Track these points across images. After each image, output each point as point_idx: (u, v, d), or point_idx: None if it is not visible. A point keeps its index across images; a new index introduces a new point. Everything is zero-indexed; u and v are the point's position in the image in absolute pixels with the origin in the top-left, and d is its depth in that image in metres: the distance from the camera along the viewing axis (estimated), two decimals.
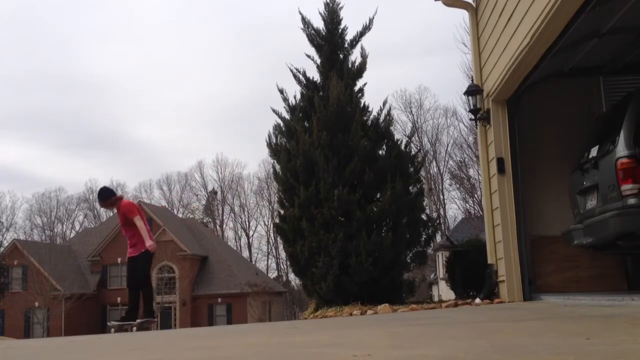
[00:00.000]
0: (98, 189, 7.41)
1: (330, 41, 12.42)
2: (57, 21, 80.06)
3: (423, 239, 11.81)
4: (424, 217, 12.17)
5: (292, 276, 44.71)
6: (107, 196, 7.12)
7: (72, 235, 56.86)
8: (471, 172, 31.54)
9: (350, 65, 12.28)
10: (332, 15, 12.56)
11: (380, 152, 11.68)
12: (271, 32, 79.22)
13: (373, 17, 12.52)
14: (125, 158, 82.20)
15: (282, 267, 54.21)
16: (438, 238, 27.73)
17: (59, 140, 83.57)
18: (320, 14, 12.64)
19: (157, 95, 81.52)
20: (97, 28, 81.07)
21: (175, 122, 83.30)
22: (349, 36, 12.60)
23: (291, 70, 12.49)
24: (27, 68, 78.05)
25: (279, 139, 12.26)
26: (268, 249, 58.25)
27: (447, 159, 45.93)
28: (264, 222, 58.63)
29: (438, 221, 28.17)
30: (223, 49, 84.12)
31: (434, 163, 46.88)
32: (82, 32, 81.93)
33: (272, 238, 55.43)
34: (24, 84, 79.09)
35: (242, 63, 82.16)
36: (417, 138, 43.91)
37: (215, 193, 59.70)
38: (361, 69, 12.30)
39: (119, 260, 38.80)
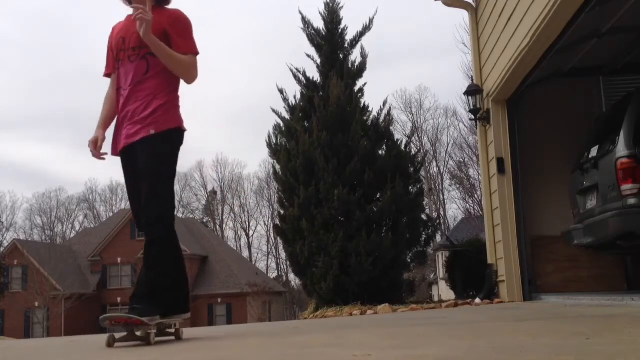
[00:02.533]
0: None
1: (330, 41, 12.44)
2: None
3: (423, 239, 11.83)
4: (424, 217, 12.18)
5: (292, 276, 44.69)
6: None
7: (72, 235, 56.79)
8: (471, 172, 31.49)
9: (350, 65, 12.29)
10: (332, 15, 12.58)
11: (380, 152, 11.69)
12: (270, 33, 79.28)
13: (373, 17, 12.56)
14: None
15: (282, 267, 54.21)
16: (438, 238, 27.72)
17: (65, 139, 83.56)
18: (321, 13, 12.67)
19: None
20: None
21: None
22: (349, 36, 12.64)
23: (291, 70, 12.51)
24: (31, 68, 78.03)
25: (279, 139, 12.28)
26: (268, 249, 58.25)
27: (447, 159, 45.90)
28: (264, 222, 58.66)
29: (438, 221, 28.20)
30: (223, 48, 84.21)
31: (434, 163, 46.90)
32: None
33: (272, 238, 55.35)
34: (27, 84, 79.12)
35: (242, 63, 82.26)
36: (417, 138, 43.97)
37: (215, 193, 59.70)
38: (361, 69, 12.32)
39: (119, 260, 38.83)
